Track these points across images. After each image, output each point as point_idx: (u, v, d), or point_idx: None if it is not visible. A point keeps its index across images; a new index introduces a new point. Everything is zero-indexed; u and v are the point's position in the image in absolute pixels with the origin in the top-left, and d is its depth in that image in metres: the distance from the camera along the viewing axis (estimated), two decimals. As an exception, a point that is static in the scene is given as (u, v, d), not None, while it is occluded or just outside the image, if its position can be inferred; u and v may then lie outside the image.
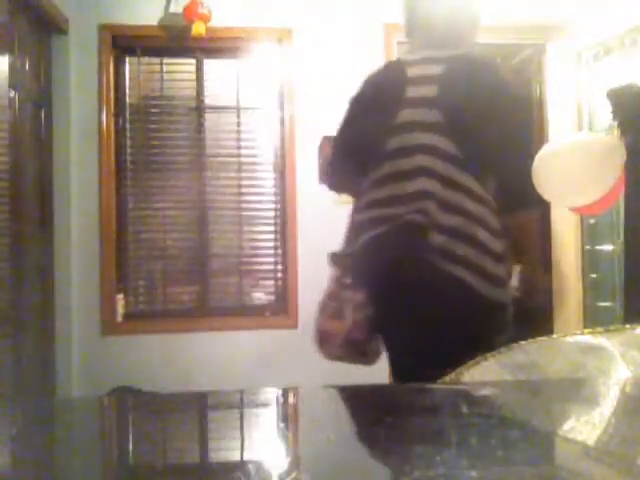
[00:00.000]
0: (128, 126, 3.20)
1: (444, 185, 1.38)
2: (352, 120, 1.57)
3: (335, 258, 1.72)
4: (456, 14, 1.52)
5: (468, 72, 1.46)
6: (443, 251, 1.36)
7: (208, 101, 3.24)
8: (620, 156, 1.45)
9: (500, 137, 1.39)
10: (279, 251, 3.25)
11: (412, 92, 1.45)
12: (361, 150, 1.50)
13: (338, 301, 1.65)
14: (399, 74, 1.49)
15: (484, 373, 0.76)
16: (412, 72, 1.47)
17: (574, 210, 2.08)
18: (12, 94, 2.48)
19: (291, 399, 0.73)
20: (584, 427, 0.58)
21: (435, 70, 1.44)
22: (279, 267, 3.26)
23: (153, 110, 3.23)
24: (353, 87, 3.50)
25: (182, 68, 3.24)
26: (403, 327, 1.42)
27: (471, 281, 1.36)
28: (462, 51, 1.48)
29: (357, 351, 1.59)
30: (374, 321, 1.48)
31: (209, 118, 3.25)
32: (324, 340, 1.68)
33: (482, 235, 1.38)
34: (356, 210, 1.56)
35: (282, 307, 3.22)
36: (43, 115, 2.88)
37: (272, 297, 3.28)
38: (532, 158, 1.48)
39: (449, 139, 1.39)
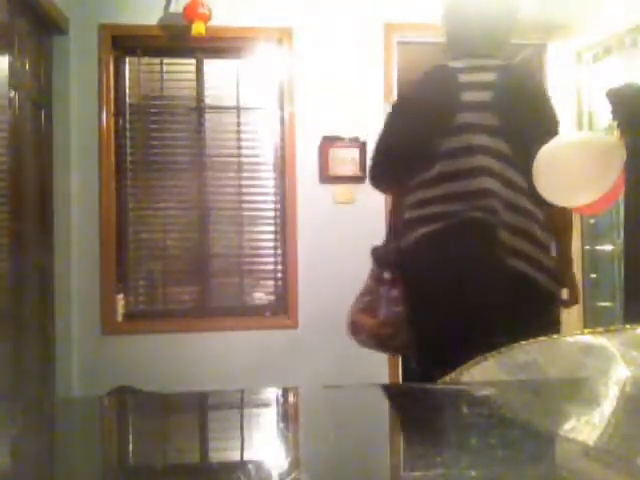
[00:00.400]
0: (128, 126, 3.20)
1: (503, 184, 1.49)
2: (400, 123, 1.62)
3: (376, 253, 1.75)
4: (496, 22, 1.64)
5: (517, 79, 1.61)
6: (509, 247, 1.46)
7: (208, 101, 3.24)
8: (620, 156, 1.45)
9: (544, 138, 1.48)
10: (279, 251, 3.25)
11: (468, 97, 1.55)
12: (412, 151, 1.57)
13: (373, 295, 1.70)
14: (452, 80, 1.57)
15: (484, 373, 0.76)
16: (464, 78, 1.57)
17: (574, 210, 2.08)
18: (12, 94, 2.48)
19: (291, 399, 0.73)
20: (584, 427, 0.58)
21: (488, 77, 1.56)
22: (279, 267, 3.26)
23: (153, 110, 3.23)
24: (353, 87, 3.49)
25: (182, 68, 3.24)
26: (463, 321, 1.44)
27: (534, 275, 1.46)
28: (506, 60, 1.64)
29: (385, 345, 1.68)
30: (424, 315, 1.53)
31: (209, 118, 3.25)
32: (355, 330, 1.73)
33: (538, 231, 1.50)
34: (406, 208, 1.61)
35: (282, 307, 3.22)
36: (43, 115, 2.88)
37: (272, 297, 3.28)
38: None
39: (503, 140, 1.51)
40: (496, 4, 1.64)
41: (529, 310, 1.42)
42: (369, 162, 1.73)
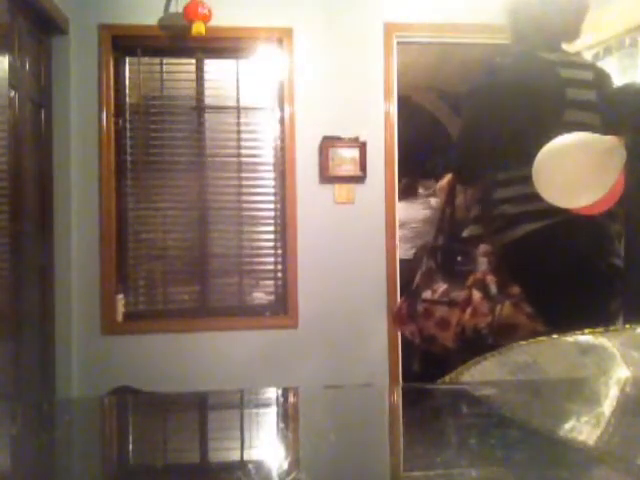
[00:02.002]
0: (128, 126, 3.20)
1: None
2: (496, 114, 1.54)
3: (432, 251, 1.67)
4: (571, 9, 1.61)
5: (609, 80, 1.62)
6: (613, 246, 1.53)
7: (208, 101, 3.24)
8: (620, 156, 1.45)
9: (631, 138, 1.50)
10: (279, 251, 3.25)
11: (572, 94, 1.53)
12: (516, 145, 1.51)
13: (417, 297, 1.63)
14: (552, 74, 1.53)
15: (484, 373, 0.76)
16: (566, 74, 1.54)
17: (574, 210, 2.07)
18: (12, 94, 2.48)
19: (291, 399, 0.73)
20: (584, 427, 0.58)
21: (587, 76, 1.57)
22: (279, 267, 3.26)
23: (153, 110, 3.23)
24: (353, 87, 3.49)
25: (182, 68, 3.24)
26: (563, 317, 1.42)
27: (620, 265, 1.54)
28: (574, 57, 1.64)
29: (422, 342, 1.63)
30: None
31: (209, 118, 3.25)
32: (396, 322, 1.74)
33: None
34: (500, 202, 1.57)
35: (282, 307, 3.22)
36: (43, 115, 2.88)
37: (272, 297, 3.28)
38: None
39: None
40: None
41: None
42: (459, 152, 1.65)
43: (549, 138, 1.46)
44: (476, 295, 1.47)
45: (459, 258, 1.59)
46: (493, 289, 1.46)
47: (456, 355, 1.51)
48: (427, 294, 1.58)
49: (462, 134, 1.65)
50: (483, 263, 1.50)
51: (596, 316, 1.37)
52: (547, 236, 1.49)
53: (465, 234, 1.68)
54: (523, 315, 1.44)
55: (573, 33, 1.64)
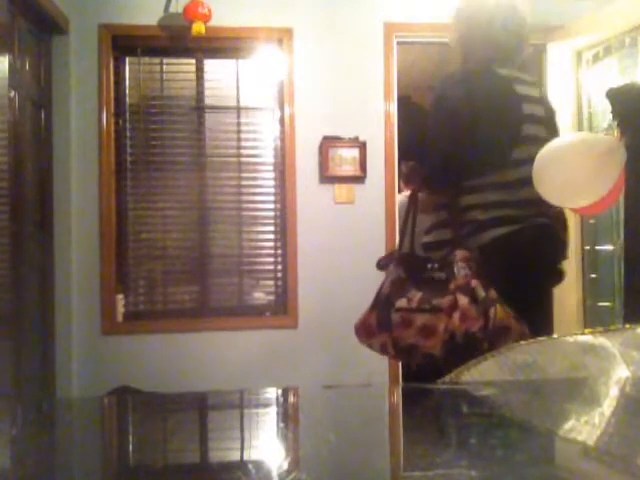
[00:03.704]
0: (128, 126, 3.20)
1: None
2: (460, 126, 1.62)
3: (400, 259, 1.67)
4: (512, 28, 1.71)
5: (546, 95, 1.81)
6: (565, 249, 1.71)
7: (208, 101, 3.24)
8: (620, 156, 1.45)
9: None
10: (279, 251, 3.25)
11: (527, 109, 1.65)
12: (480, 156, 1.60)
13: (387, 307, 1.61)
14: (509, 89, 1.64)
15: (484, 373, 0.76)
16: (521, 90, 1.66)
17: (574, 210, 2.08)
18: (12, 94, 2.48)
19: (291, 399, 0.73)
20: (584, 427, 0.58)
21: (535, 93, 1.71)
22: (279, 267, 3.25)
23: (153, 110, 3.22)
24: (353, 87, 3.49)
25: (182, 68, 3.24)
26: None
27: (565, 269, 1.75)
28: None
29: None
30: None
31: (209, 118, 3.24)
32: (362, 335, 1.66)
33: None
34: (472, 209, 1.63)
35: (282, 307, 3.22)
36: (43, 115, 2.88)
37: (272, 297, 3.28)
38: None
39: None
40: (509, 10, 1.71)
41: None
42: (428, 160, 1.71)
43: (511, 150, 1.60)
44: (463, 300, 1.45)
45: (435, 265, 1.58)
46: (481, 292, 1.46)
47: (445, 363, 1.48)
48: (401, 303, 1.55)
49: (430, 144, 1.68)
50: (463, 268, 1.50)
51: (549, 310, 1.63)
52: (513, 240, 1.57)
53: (430, 239, 1.72)
54: (511, 317, 1.46)
55: (518, 50, 1.72)
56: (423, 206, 1.73)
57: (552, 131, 1.71)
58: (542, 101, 1.72)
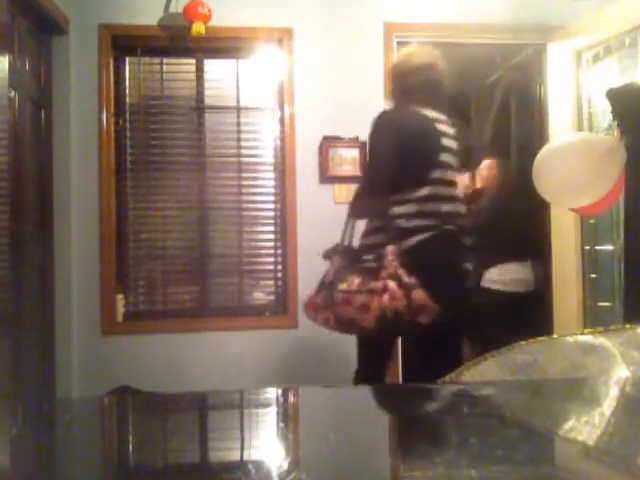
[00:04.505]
0: (128, 126, 3.20)
1: (464, 207, 2.19)
2: (394, 148, 2.01)
3: (343, 253, 2.14)
4: (441, 77, 2.13)
5: (464, 129, 2.33)
6: (467, 250, 2.10)
7: (208, 101, 3.24)
8: (620, 156, 1.45)
9: None
10: (279, 251, 3.25)
11: (445, 142, 2.07)
12: (408, 174, 2.01)
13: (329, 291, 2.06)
14: (432, 126, 2.05)
15: (484, 373, 0.76)
16: (441, 128, 2.07)
17: (574, 210, 2.08)
18: (12, 94, 2.48)
19: (291, 399, 0.73)
20: (584, 427, 0.58)
21: (451, 131, 2.13)
22: (279, 267, 3.25)
23: (153, 110, 3.22)
24: (353, 87, 3.49)
25: (182, 68, 3.23)
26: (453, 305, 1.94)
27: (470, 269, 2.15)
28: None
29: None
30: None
31: (209, 118, 3.24)
32: (309, 311, 2.12)
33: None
34: (399, 217, 2.01)
35: (282, 307, 3.22)
36: (43, 115, 2.88)
37: (272, 297, 3.28)
38: None
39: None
40: (432, 67, 2.13)
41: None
42: (366, 175, 2.22)
43: (430, 172, 2.01)
44: (391, 284, 1.86)
45: (370, 257, 2.00)
46: (406, 279, 1.86)
47: (377, 332, 1.93)
48: (343, 286, 1.98)
49: (368, 162, 2.17)
50: (392, 260, 1.90)
51: (457, 302, 1.96)
52: (429, 244, 1.97)
53: (368, 242, 2.10)
54: (428, 298, 1.85)
55: (440, 96, 2.14)
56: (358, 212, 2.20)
57: (461, 160, 2.20)
58: (456, 137, 2.14)
